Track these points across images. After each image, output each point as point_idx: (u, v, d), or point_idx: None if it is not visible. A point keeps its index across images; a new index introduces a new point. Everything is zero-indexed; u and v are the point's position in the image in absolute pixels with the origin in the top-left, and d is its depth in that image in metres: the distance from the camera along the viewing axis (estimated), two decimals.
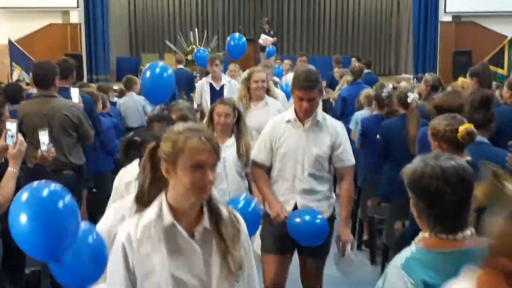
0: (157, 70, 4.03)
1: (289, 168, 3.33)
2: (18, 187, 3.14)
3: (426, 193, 1.73)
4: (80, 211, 2.21)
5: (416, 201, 1.77)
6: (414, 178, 1.76)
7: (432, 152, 1.98)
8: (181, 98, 8.29)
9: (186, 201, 1.76)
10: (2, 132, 3.07)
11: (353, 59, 11.06)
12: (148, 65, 4.26)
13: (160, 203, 1.79)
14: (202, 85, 6.52)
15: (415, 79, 13.22)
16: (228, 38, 7.30)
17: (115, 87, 8.50)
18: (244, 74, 5.23)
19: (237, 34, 7.29)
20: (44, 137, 3.47)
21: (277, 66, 9.16)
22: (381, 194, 4.78)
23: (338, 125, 3.41)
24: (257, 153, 3.42)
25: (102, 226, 2.24)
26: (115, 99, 7.59)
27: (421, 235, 1.78)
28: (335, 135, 3.32)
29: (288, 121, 3.33)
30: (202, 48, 10.88)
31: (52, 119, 4.11)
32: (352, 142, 6.12)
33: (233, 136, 3.80)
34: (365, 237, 5.44)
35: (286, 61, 10.37)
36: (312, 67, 10.95)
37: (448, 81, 12.09)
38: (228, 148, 3.74)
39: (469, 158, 2.70)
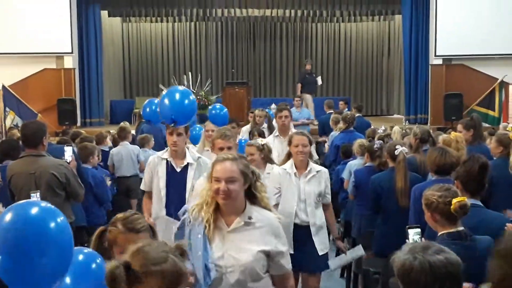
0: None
1: None
2: None
3: (415, 287, 1.80)
4: None
5: None
6: (403, 271, 1.82)
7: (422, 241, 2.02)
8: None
9: None
10: None
11: (340, 102, 11.11)
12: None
13: None
14: (155, 164, 4.09)
15: (407, 121, 13.30)
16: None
17: (111, 130, 8.50)
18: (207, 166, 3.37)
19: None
20: (35, 199, 3.43)
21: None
22: (375, 249, 4.71)
23: None
24: None
25: None
26: (108, 145, 7.58)
27: None
28: None
29: None
30: (218, 104, 7.32)
31: (39, 179, 4.08)
32: (345, 191, 6.14)
33: None
34: None
35: (257, 112, 7.53)
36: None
37: (440, 123, 12.27)
38: None
39: (461, 228, 2.67)
